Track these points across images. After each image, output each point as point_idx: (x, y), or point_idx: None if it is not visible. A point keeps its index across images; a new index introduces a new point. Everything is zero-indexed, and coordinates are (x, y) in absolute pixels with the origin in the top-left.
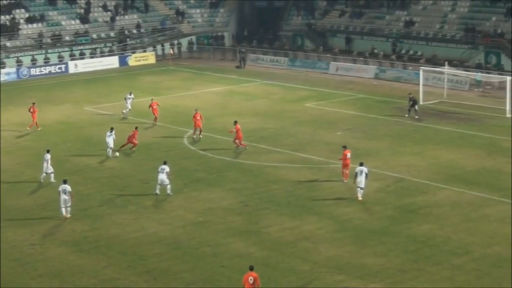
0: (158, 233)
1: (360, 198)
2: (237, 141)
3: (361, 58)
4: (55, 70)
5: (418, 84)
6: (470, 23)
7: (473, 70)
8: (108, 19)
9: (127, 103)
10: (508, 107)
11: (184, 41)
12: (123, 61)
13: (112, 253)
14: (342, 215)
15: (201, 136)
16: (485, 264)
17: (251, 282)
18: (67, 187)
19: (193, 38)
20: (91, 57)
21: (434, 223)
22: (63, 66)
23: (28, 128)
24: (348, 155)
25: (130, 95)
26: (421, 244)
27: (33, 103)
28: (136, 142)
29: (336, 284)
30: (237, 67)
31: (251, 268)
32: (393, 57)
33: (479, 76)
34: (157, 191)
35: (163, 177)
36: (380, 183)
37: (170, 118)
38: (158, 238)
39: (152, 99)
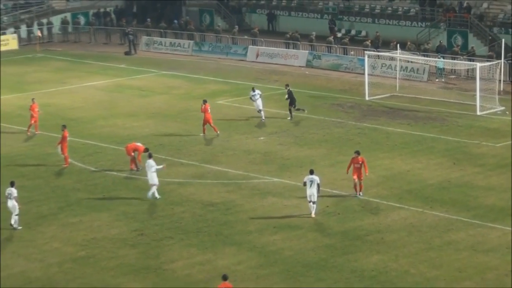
0: (27, 272)
1: (313, 215)
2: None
3: (289, 41)
4: None
5: (363, 74)
6: None
7: (433, 55)
8: None
9: (255, 101)
10: (478, 102)
11: (56, 20)
12: None
13: None
14: (268, 245)
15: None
16: None
17: None
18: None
19: (68, 16)
20: None
21: (386, 253)
22: None
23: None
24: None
25: (254, 91)
26: (370, 280)
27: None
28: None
29: None
30: (127, 53)
31: (225, 278)
32: (330, 39)
33: (441, 62)
34: (12, 222)
35: (11, 204)
36: (316, 202)
37: (39, 122)
38: (27, 279)
39: (33, 100)
